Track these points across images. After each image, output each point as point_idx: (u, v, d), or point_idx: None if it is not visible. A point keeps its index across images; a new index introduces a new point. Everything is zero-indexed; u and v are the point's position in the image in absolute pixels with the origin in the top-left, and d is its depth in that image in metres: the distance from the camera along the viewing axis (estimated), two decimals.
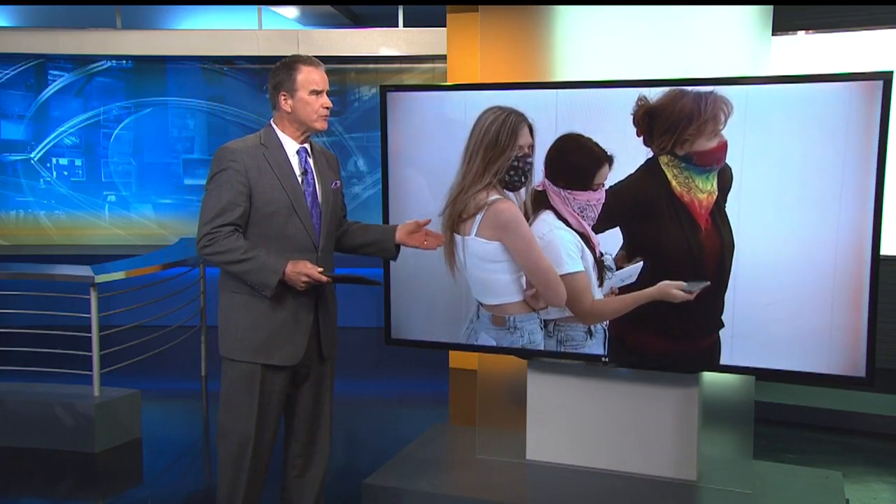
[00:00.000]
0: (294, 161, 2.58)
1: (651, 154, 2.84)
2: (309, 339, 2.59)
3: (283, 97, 2.53)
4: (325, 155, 2.72)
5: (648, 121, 2.82)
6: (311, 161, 2.62)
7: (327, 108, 2.56)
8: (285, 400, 2.64)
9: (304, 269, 2.45)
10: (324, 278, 2.46)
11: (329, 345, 2.68)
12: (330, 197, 2.64)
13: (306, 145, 2.61)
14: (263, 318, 2.52)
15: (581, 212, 2.93)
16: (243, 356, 2.54)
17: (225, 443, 2.57)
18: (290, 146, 2.58)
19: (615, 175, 2.89)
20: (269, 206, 2.50)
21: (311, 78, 2.52)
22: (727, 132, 2.75)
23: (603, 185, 2.91)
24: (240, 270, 2.46)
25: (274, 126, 2.59)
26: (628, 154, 2.86)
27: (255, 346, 2.52)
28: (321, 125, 2.57)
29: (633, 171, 2.87)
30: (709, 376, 3.09)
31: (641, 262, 2.91)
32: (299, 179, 2.56)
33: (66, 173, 8.09)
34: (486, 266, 3.08)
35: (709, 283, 2.82)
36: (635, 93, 2.83)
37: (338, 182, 2.71)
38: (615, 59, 3.08)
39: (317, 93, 2.53)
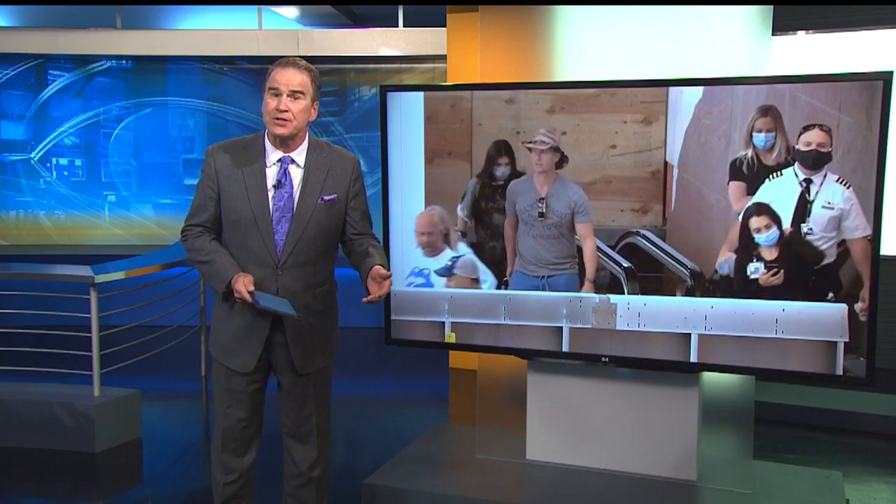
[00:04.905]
0: (271, 171, 2.45)
1: None
2: (270, 350, 2.51)
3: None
4: (333, 162, 2.51)
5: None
6: (294, 172, 2.46)
7: (279, 110, 2.37)
8: (261, 400, 2.60)
9: (237, 286, 2.37)
10: (249, 299, 2.36)
11: (305, 360, 2.52)
12: (310, 212, 2.45)
13: (293, 154, 2.45)
14: (227, 321, 2.51)
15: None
16: (213, 354, 2.58)
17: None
18: (273, 155, 2.45)
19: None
20: (233, 215, 2.45)
21: (273, 77, 2.39)
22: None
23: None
24: (201, 272, 2.57)
25: (265, 131, 2.49)
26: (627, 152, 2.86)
27: (219, 347, 2.55)
28: (273, 128, 2.40)
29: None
30: (709, 376, 3.08)
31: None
32: (270, 192, 2.44)
33: (66, 173, 8.09)
34: None
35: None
36: (635, 93, 2.83)
37: (333, 195, 2.48)
38: (615, 59, 3.08)
39: (273, 92, 2.38)
